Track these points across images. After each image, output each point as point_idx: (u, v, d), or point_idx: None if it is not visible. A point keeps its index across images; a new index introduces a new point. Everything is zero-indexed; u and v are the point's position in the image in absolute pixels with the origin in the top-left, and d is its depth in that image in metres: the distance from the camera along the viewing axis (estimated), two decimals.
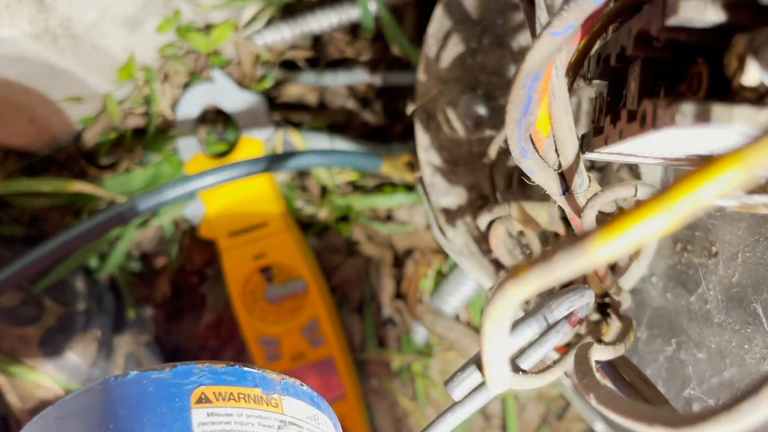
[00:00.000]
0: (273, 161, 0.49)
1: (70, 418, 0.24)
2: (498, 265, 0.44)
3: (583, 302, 0.28)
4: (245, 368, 0.27)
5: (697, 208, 0.14)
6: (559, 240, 0.38)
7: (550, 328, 0.28)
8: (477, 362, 0.26)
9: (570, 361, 0.30)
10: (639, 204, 0.14)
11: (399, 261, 0.65)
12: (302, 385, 0.29)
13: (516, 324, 0.26)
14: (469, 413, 0.27)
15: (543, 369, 0.29)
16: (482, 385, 0.26)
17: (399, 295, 0.65)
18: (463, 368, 0.26)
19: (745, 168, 0.13)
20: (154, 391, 0.25)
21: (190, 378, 0.26)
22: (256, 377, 0.27)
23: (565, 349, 0.34)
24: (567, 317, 0.28)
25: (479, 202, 0.47)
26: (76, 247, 0.48)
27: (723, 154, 0.13)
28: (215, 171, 0.50)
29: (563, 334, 0.28)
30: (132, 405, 0.24)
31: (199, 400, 0.25)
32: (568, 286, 0.32)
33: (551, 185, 0.28)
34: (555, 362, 0.30)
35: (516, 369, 0.28)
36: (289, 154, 0.50)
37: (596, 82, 0.27)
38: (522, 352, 0.28)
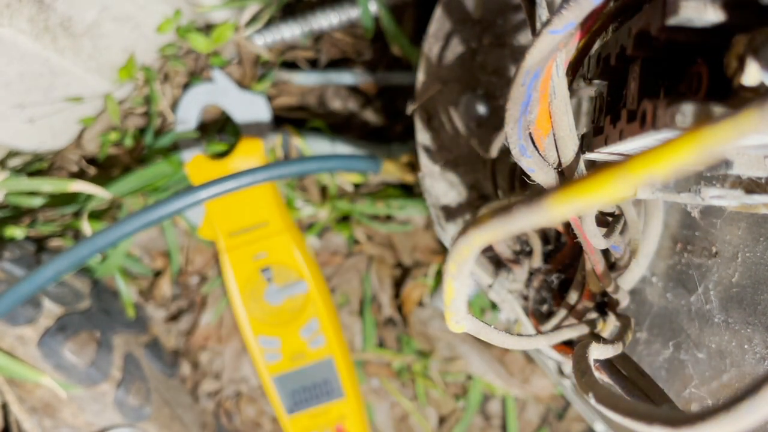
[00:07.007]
0: (274, 169, 0.49)
1: None
2: (496, 262, 0.44)
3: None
4: None
5: (646, 181, 0.14)
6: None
7: None
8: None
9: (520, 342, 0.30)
10: (592, 173, 0.15)
11: (401, 264, 0.65)
12: None
13: None
14: None
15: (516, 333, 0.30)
16: None
17: (399, 295, 0.65)
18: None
19: (695, 146, 0.14)
20: None
21: None
22: None
23: (567, 349, 0.34)
24: None
25: (479, 201, 0.47)
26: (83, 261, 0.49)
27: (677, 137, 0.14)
28: (218, 182, 0.50)
29: None
30: None
31: None
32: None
33: (551, 184, 0.28)
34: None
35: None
36: (290, 161, 0.50)
37: (596, 82, 0.27)
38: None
